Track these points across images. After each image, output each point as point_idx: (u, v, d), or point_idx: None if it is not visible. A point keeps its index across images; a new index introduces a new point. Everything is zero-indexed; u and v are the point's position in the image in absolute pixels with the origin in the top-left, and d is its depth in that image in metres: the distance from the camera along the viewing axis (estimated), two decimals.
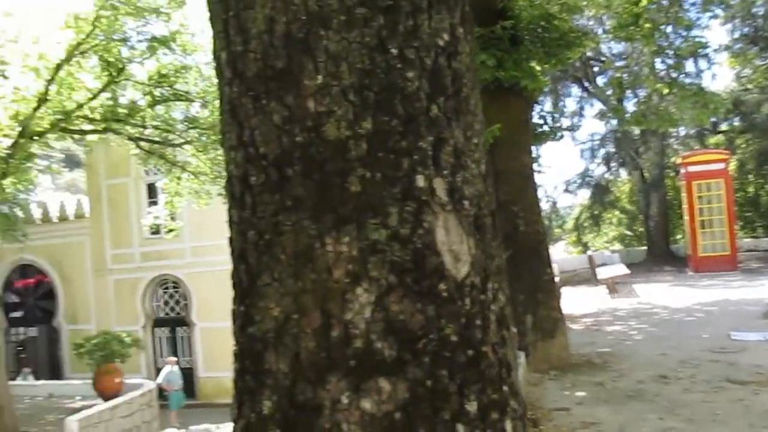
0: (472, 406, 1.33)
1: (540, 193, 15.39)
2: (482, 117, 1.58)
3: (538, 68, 9.07)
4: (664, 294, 15.21)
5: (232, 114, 1.46)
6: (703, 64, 19.38)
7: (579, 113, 25.96)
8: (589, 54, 20.18)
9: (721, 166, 19.11)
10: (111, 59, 13.22)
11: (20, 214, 18.17)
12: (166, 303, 20.69)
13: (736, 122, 24.95)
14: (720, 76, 53.34)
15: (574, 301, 14.89)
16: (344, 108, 1.34)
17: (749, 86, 23.56)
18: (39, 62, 12.20)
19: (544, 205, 26.19)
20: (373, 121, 1.35)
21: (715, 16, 15.86)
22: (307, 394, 1.28)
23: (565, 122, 24.44)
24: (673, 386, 6.88)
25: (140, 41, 13.67)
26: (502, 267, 1.55)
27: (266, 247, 1.36)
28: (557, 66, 10.29)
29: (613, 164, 28.64)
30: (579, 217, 31.46)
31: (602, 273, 17.78)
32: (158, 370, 19.94)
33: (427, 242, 1.34)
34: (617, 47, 21.04)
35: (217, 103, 10.90)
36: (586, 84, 24.06)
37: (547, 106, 23.13)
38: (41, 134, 13.42)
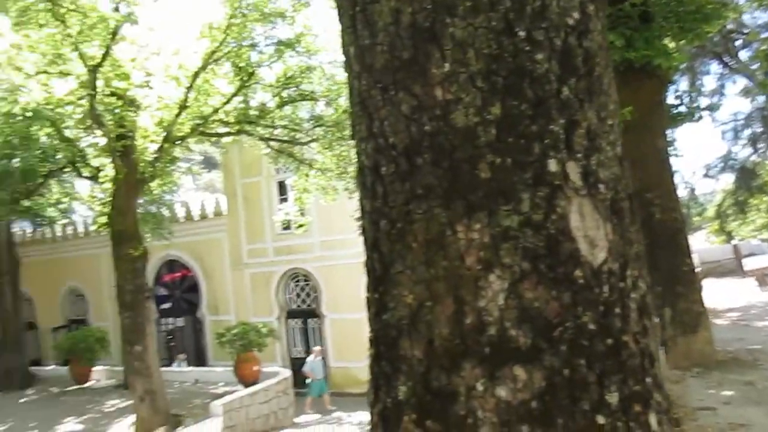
0: (612, 397, 1.28)
1: (677, 179, 14.47)
2: (616, 97, 1.52)
3: (671, 45, 8.53)
4: None
5: (362, 106, 1.49)
6: None
7: (719, 91, 24.12)
8: (729, 26, 18.65)
9: None
10: (242, 64, 13.95)
11: (166, 213, 19.69)
12: (298, 295, 21.57)
13: None
14: None
15: (717, 294, 13.89)
16: (472, 94, 1.33)
17: None
18: (179, 72, 13.08)
19: (682, 192, 24.62)
20: (502, 106, 1.33)
21: None
22: (441, 380, 1.29)
23: (704, 102, 22.76)
24: None
25: (268, 45, 14.32)
26: (641, 253, 1.48)
27: (398, 236, 1.38)
28: (693, 42, 9.60)
29: (760, 145, 26.35)
30: (722, 203, 29.27)
31: (750, 264, 16.48)
32: (292, 360, 20.90)
33: (561, 228, 1.31)
34: (763, 17, 19.29)
35: (341, 100, 11.26)
36: (728, 59, 22.27)
37: (683, 85, 21.62)
38: (182, 138, 14.43)
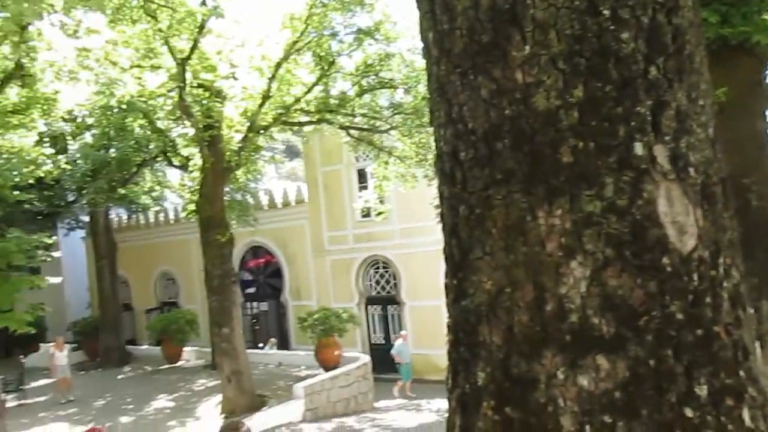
0: (702, 390, 1.23)
1: None
2: (709, 76, 1.44)
3: None
4: None
5: (440, 92, 1.48)
6: None
7: None
8: None
9: None
10: (322, 54, 14.15)
11: (251, 200, 20.32)
12: (378, 282, 21.78)
13: None
14: None
15: None
16: (554, 77, 1.30)
17: None
18: (262, 62, 13.41)
19: None
20: (585, 88, 1.29)
21: None
22: (521, 367, 1.27)
23: None
24: None
25: (347, 34, 14.46)
26: (735, 241, 1.40)
27: (477, 222, 1.37)
28: None
29: None
30: None
31: None
32: (371, 346, 21.16)
33: (648, 213, 1.26)
34: None
35: (420, 87, 11.23)
36: None
37: None
38: (266, 128, 14.83)
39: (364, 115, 15.78)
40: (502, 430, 1.28)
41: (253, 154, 16.11)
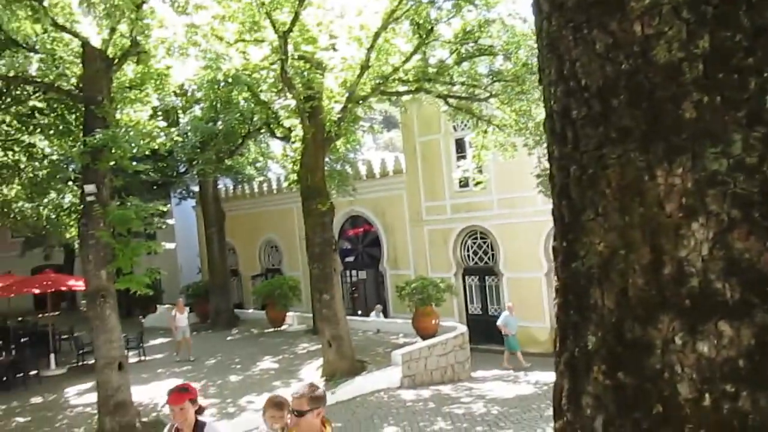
0: None
1: None
2: None
3: None
4: None
5: (551, 48, 1.43)
6: None
7: None
8: None
9: None
10: (421, 22, 14.00)
11: (350, 171, 20.65)
12: (475, 253, 21.66)
13: None
14: None
15: None
16: (676, 27, 1.22)
17: None
18: (361, 33, 13.44)
19: None
20: (711, 38, 1.20)
21: None
22: (635, 332, 1.23)
23: None
24: None
25: (446, 1, 14.20)
26: None
27: (590, 182, 1.32)
28: None
29: None
30: None
31: None
32: (468, 316, 21.14)
33: None
34: None
35: (520, 53, 10.86)
36: None
37: None
38: (364, 98, 14.94)
39: (462, 84, 15.55)
40: (614, 395, 1.25)
41: (352, 124, 16.30)
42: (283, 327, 20.82)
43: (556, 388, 1.44)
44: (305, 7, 12.21)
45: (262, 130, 20.65)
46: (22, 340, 19.86)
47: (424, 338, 15.53)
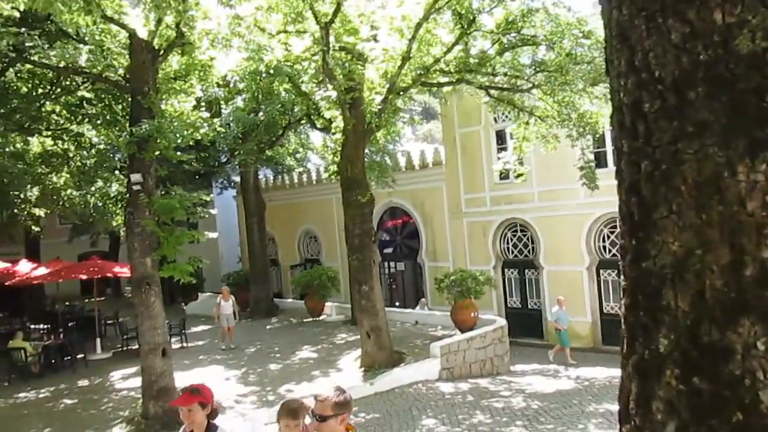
0: None
1: None
2: None
3: None
4: None
5: (622, 38, 1.38)
6: None
7: None
8: None
9: None
10: (462, 12, 13.84)
11: (389, 162, 20.62)
12: (515, 246, 21.44)
13: None
14: None
15: None
16: (761, 15, 1.16)
17: None
18: (402, 23, 13.35)
19: None
20: None
21: None
22: (713, 335, 1.17)
23: None
24: None
25: None
26: None
27: (663, 178, 1.27)
28: None
29: None
30: None
31: None
32: (507, 310, 20.96)
33: None
34: None
35: (564, 43, 10.64)
36: None
37: None
38: (405, 90, 14.86)
39: (504, 74, 15.34)
40: (689, 400, 1.20)
41: (392, 115, 16.25)
42: (321, 317, 20.98)
43: (622, 390, 1.39)
44: None
45: (303, 121, 20.76)
46: (69, 324, 20.49)
47: (462, 331, 15.46)
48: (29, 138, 16.93)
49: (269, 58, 14.13)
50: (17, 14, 10.25)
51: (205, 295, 25.61)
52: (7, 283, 19.54)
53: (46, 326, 20.02)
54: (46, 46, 11.13)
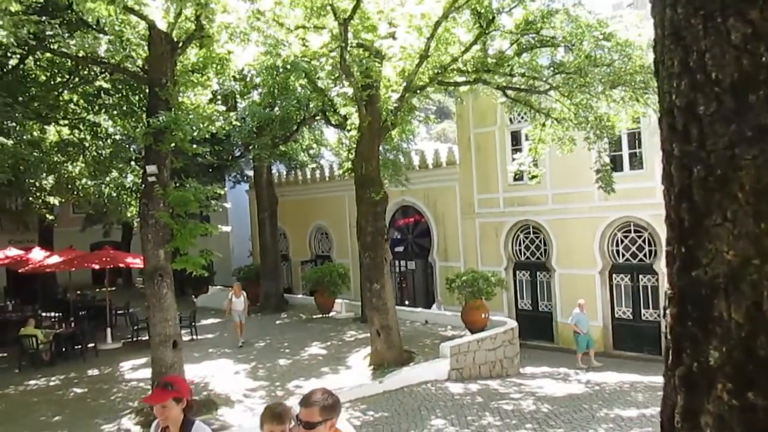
0: None
1: None
2: None
3: None
4: None
5: (675, 38, 1.33)
6: None
7: None
8: None
9: None
10: (482, 11, 13.75)
11: (403, 160, 20.57)
12: (527, 248, 21.33)
13: None
14: None
15: None
16: None
17: None
18: (421, 21, 13.28)
19: None
20: None
21: None
22: None
23: None
24: None
25: None
26: None
27: (718, 184, 1.22)
28: None
29: None
30: None
31: None
32: (518, 311, 20.87)
33: None
34: None
35: (584, 45, 10.54)
36: None
37: None
38: (422, 88, 14.80)
39: (522, 75, 15.24)
40: (742, 416, 1.15)
41: (408, 114, 16.19)
42: (331, 314, 20.97)
43: (666, 403, 1.34)
44: None
45: (318, 117, 20.75)
46: (81, 313, 20.60)
47: (472, 332, 15.40)
48: (46, 126, 17.00)
49: (286, 53, 14.10)
50: (40, 1, 10.29)
51: (216, 288, 25.69)
52: (20, 270, 19.68)
53: (57, 314, 20.16)
54: (66, 35, 11.15)
